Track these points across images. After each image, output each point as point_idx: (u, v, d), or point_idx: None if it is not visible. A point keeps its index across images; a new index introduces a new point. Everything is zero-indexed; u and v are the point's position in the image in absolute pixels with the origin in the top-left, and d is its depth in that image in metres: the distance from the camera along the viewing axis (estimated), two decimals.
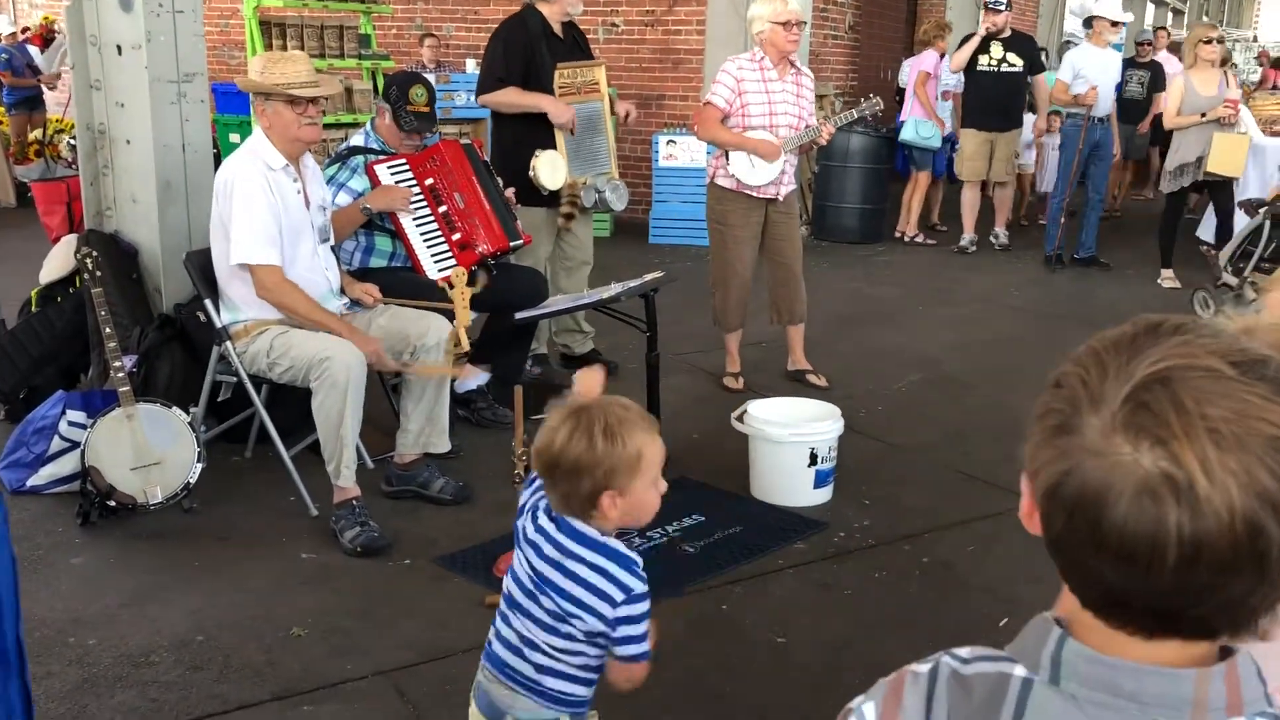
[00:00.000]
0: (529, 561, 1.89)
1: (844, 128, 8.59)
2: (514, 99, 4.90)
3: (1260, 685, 0.80)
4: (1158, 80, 10.42)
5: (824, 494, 3.99)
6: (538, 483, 1.93)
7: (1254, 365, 0.76)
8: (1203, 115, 7.26)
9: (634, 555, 1.87)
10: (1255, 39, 30.42)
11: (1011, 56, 8.43)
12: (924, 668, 0.89)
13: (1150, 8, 25.80)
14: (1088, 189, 8.26)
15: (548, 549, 1.86)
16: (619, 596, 1.81)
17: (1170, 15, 28.39)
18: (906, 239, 9.36)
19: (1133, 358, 0.78)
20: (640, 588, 1.83)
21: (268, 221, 3.57)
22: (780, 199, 5.06)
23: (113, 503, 3.61)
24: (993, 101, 8.50)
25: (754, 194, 5.02)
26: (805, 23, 4.93)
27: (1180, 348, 0.77)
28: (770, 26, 4.89)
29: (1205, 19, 30.35)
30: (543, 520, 1.89)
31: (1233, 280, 6.54)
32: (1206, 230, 8.54)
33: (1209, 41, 7.46)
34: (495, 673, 1.94)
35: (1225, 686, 0.78)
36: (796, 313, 5.26)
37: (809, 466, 3.91)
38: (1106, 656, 0.80)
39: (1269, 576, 0.74)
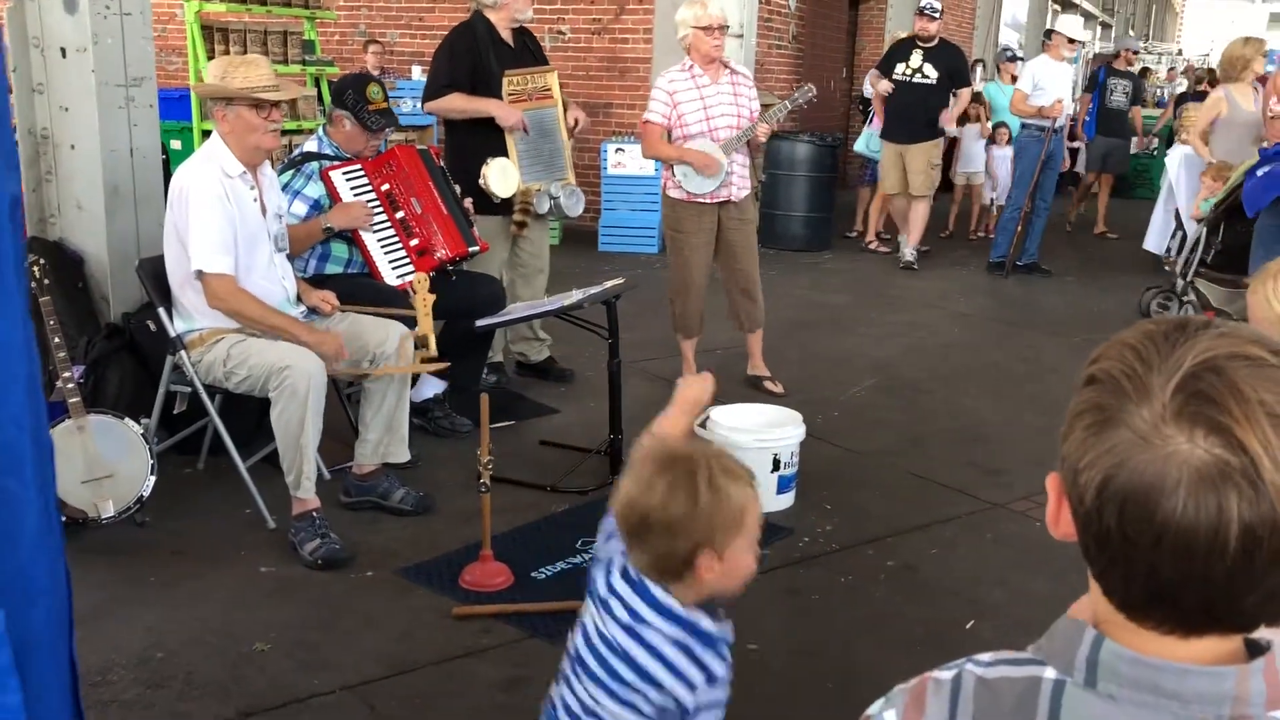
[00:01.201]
0: (598, 624, 1.72)
1: (789, 136, 8.71)
2: (460, 104, 4.87)
3: None
4: (1139, 91, 10.47)
5: (787, 499, 4.00)
6: (614, 532, 1.74)
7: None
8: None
9: (720, 633, 1.69)
10: (1180, 52, 31.30)
11: (928, 68, 8.27)
12: (947, 674, 0.88)
13: (1079, 21, 26.42)
14: (1035, 197, 8.39)
15: (620, 613, 1.69)
16: (699, 680, 1.65)
17: (1099, 29, 29.07)
18: (864, 246, 9.44)
19: (1174, 349, 0.78)
20: (722, 672, 1.67)
21: (223, 229, 3.49)
22: (734, 201, 5.07)
23: (63, 517, 3.50)
24: (902, 112, 8.34)
25: (705, 200, 5.03)
26: (728, 27, 4.95)
27: (1221, 339, 0.78)
28: (693, 32, 4.94)
29: (1131, 32, 31.16)
30: (618, 581, 1.71)
31: (1179, 284, 6.75)
32: (1152, 240, 8.74)
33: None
34: None
35: (1265, 680, 0.79)
36: (753, 318, 5.28)
37: (772, 472, 3.92)
38: (1148, 657, 0.79)
39: None
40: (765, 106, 5.58)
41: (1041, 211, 8.42)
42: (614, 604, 1.70)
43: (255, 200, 3.65)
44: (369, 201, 4.30)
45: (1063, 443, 0.82)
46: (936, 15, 8.26)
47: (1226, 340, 0.78)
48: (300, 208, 4.20)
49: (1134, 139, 10.96)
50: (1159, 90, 20.89)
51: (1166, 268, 8.38)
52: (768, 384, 5.28)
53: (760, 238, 9.24)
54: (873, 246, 9.39)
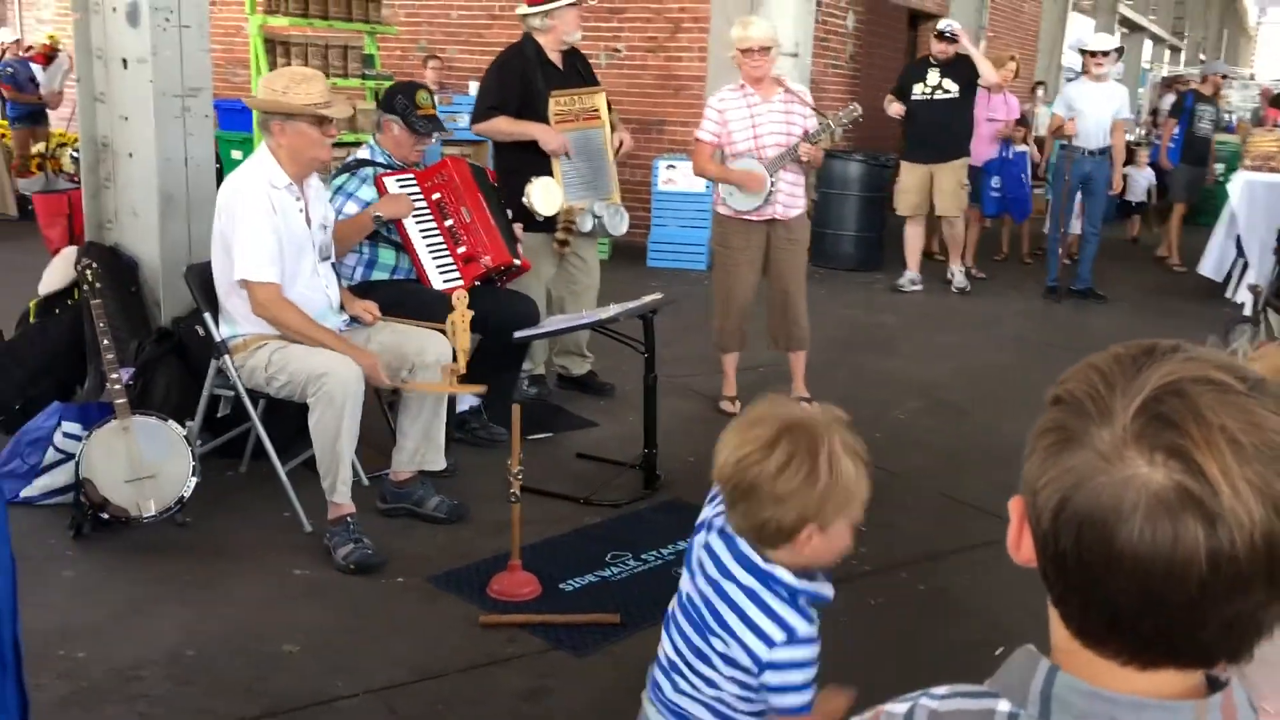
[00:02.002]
0: (691, 580, 1.73)
1: (842, 155, 8.63)
2: (505, 127, 4.95)
3: (1252, 714, 0.79)
4: (1221, 117, 10.14)
5: None
6: (719, 498, 1.71)
7: (1258, 383, 0.76)
8: None
9: (805, 588, 1.66)
10: (1253, 77, 30.70)
11: (948, 83, 8.01)
12: (901, 708, 0.87)
13: (1148, 44, 26.03)
14: (1085, 222, 8.26)
15: (710, 569, 1.69)
16: (779, 637, 1.63)
17: (1168, 52, 28.64)
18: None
19: (1139, 372, 0.77)
20: (806, 630, 1.64)
21: (268, 239, 3.57)
22: (782, 219, 5.06)
23: (106, 515, 3.59)
24: (928, 132, 8.08)
25: (752, 217, 5.03)
26: (770, 49, 4.92)
27: (1186, 364, 0.76)
28: (736, 53, 4.96)
29: (1203, 56, 30.62)
30: (714, 539, 1.70)
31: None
32: (1209, 266, 8.58)
33: None
34: (648, 690, 1.83)
35: (1222, 716, 0.77)
36: (794, 338, 5.26)
37: None
38: (1103, 690, 0.78)
39: (1275, 587, 0.73)
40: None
41: (1091, 237, 8.26)
42: (706, 561, 1.70)
43: (301, 211, 3.72)
44: (419, 209, 4.37)
45: (1025, 463, 0.81)
46: (958, 37, 8.04)
47: (1193, 364, 0.76)
48: (352, 208, 4.29)
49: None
50: (1229, 115, 20.47)
51: (1227, 295, 8.22)
52: (805, 406, 5.24)
53: (810, 256, 9.22)
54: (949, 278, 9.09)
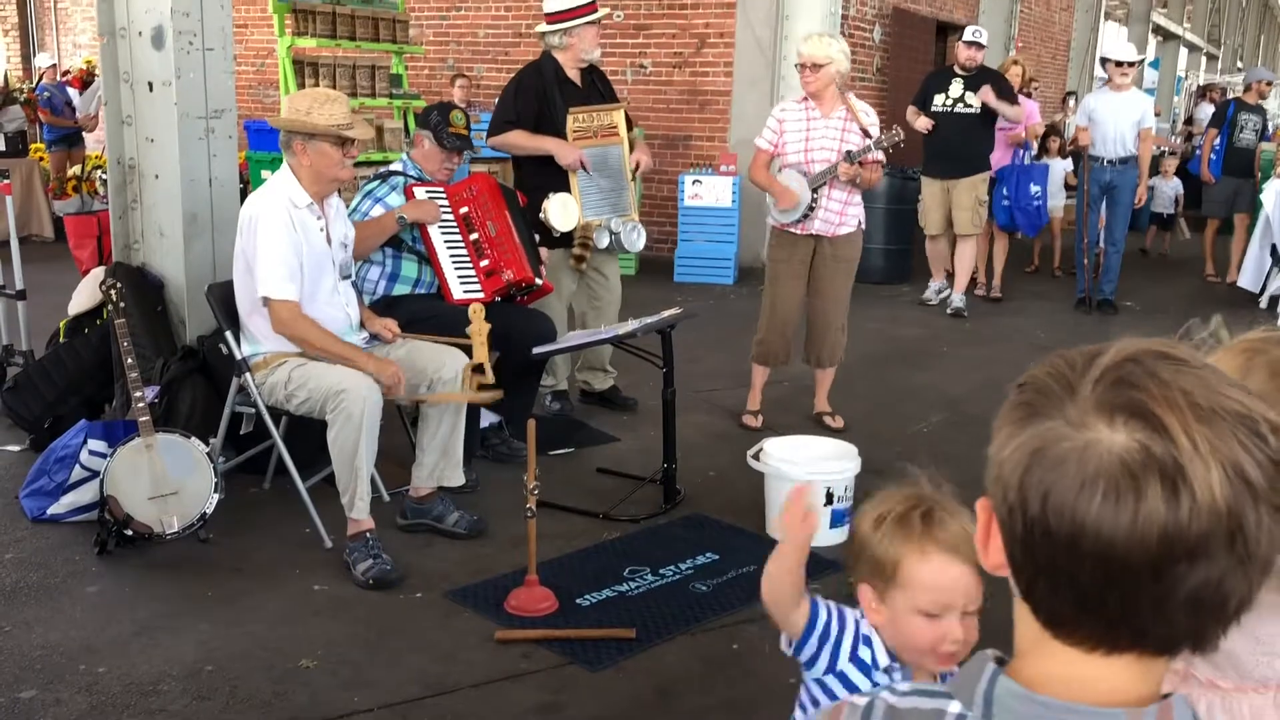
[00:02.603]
0: None
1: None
2: (520, 141, 4.98)
3: None
4: (1267, 126, 9.66)
5: (840, 534, 3.95)
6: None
7: (1209, 364, 0.78)
8: None
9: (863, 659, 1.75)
10: None
11: (970, 96, 7.74)
12: (862, 700, 0.88)
13: (1184, 52, 25.78)
14: (1106, 234, 8.15)
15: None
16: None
17: (1204, 60, 28.35)
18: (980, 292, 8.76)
19: (1094, 356, 0.79)
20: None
21: (289, 257, 3.61)
22: (828, 237, 5.04)
23: (130, 532, 3.63)
24: (945, 146, 7.78)
25: (797, 231, 5.04)
26: (822, 65, 4.90)
27: (1141, 341, 0.79)
28: (795, 69, 4.98)
29: (1240, 64, 30.28)
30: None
31: None
32: (1247, 278, 8.47)
33: None
34: None
35: None
36: (824, 356, 5.24)
37: (825, 506, 3.88)
38: (1039, 695, 0.78)
39: (1240, 557, 0.73)
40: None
41: (1113, 249, 8.15)
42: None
43: (322, 230, 3.76)
44: (445, 222, 4.42)
45: (991, 447, 0.81)
46: (983, 42, 7.79)
47: (1146, 341, 0.79)
48: (378, 211, 4.35)
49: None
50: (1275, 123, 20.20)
51: (1262, 305, 8.11)
52: (828, 419, 5.23)
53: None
54: (980, 292, 8.77)
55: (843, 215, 5.04)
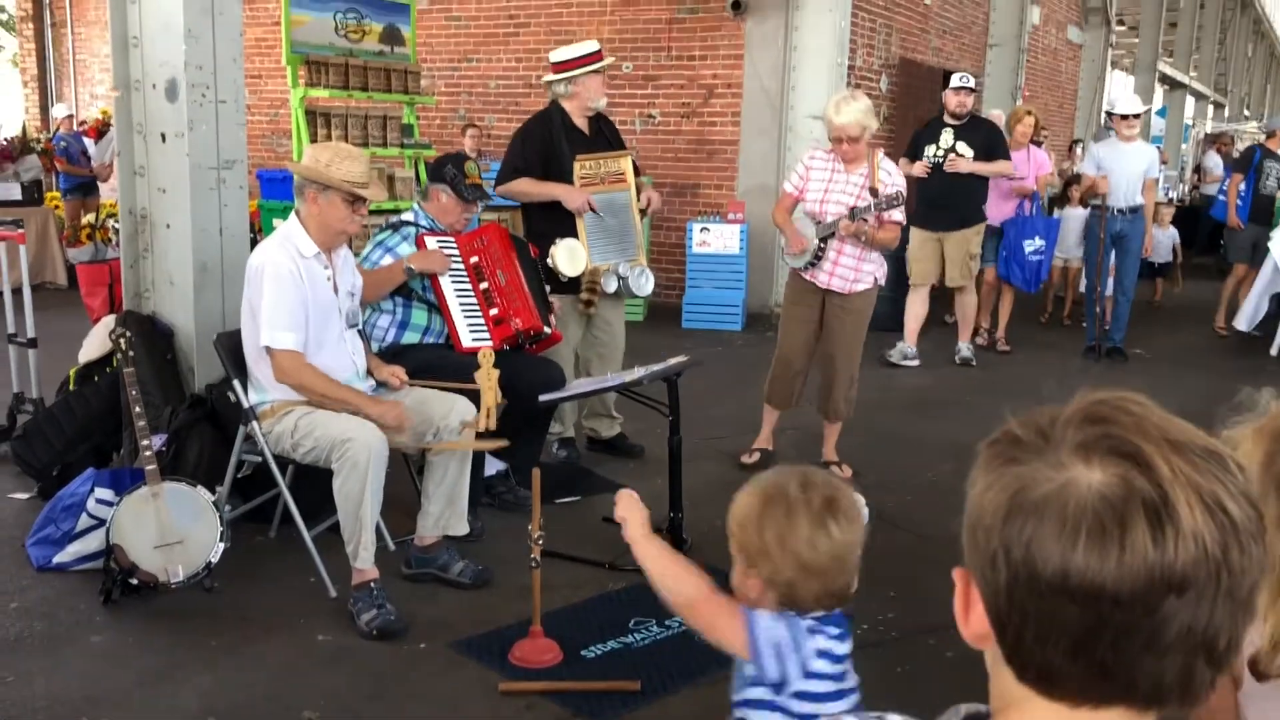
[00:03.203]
0: None
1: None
2: (527, 188, 5.04)
3: None
4: None
5: None
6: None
7: (1168, 414, 0.79)
8: None
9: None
10: None
11: (961, 145, 7.56)
12: None
13: (1191, 101, 25.94)
14: (1117, 282, 8.14)
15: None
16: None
17: (1211, 108, 28.51)
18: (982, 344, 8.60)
19: (1064, 409, 0.80)
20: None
21: (293, 307, 3.64)
22: (833, 290, 5.07)
23: (135, 581, 3.63)
24: (938, 197, 7.58)
25: (807, 278, 5.08)
26: (859, 138, 4.85)
27: (1104, 393, 0.80)
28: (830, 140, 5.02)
29: (1246, 112, 30.43)
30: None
31: None
32: (1243, 320, 8.46)
33: None
34: None
35: None
36: (831, 409, 5.25)
37: None
38: None
39: (1227, 590, 0.73)
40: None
41: (1123, 298, 8.14)
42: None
43: (329, 279, 3.79)
44: (455, 271, 4.45)
45: (968, 503, 0.81)
46: (970, 86, 7.69)
47: (1110, 392, 0.80)
48: (387, 261, 4.38)
49: None
50: None
51: (1272, 353, 8.09)
52: (835, 469, 5.22)
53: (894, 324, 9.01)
54: (982, 342, 8.58)
55: (858, 273, 5.05)
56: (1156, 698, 0.77)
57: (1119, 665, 0.75)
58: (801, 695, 1.78)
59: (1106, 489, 0.72)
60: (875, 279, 5.13)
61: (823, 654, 1.78)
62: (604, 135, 5.25)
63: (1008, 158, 7.85)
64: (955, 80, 7.78)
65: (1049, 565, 0.74)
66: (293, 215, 3.82)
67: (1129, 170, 7.79)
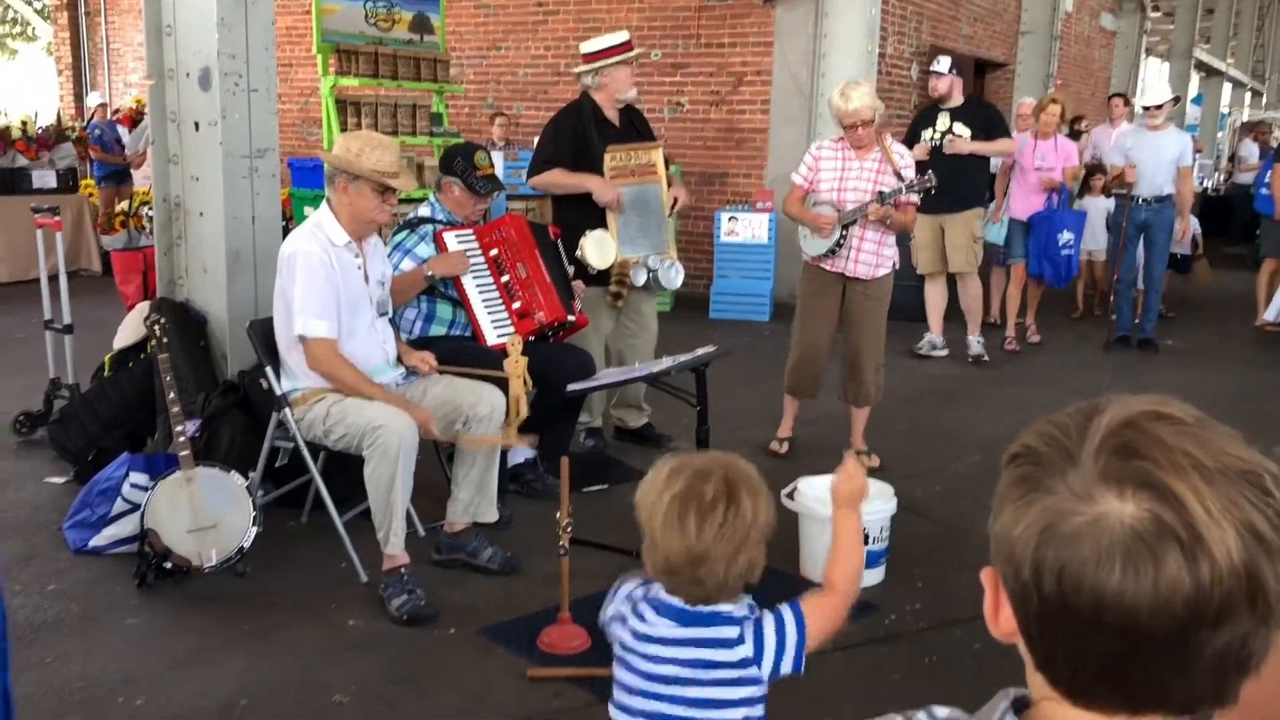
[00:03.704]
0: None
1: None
2: (559, 179, 5.04)
3: None
4: None
5: (875, 575, 3.93)
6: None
7: (1203, 418, 0.77)
8: None
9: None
10: None
11: (959, 127, 7.39)
12: (900, 718, 0.89)
13: (1227, 88, 25.60)
14: (1145, 272, 8.04)
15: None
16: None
17: (1249, 96, 28.12)
18: (1003, 345, 8.22)
19: (1090, 419, 0.78)
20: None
21: (325, 295, 3.67)
22: (857, 277, 5.06)
23: (169, 565, 3.68)
24: (937, 179, 7.74)
25: (827, 267, 5.07)
26: (872, 120, 4.89)
27: (1135, 402, 0.78)
28: (837, 121, 4.99)
29: None
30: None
31: None
32: (1272, 310, 8.36)
33: None
34: None
35: None
36: (859, 395, 5.24)
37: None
38: None
39: (1262, 615, 0.72)
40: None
41: (1152, 290, 8.05)
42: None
43: (359, 268, 3.82)
44: (476, 265, 4.46)
45: (994, 524, 0.81)
46: (943, 71, 7.43)
47: (1140, 401, 0.78)
48: (409, 265, 4.40)
49: None
50: None
51: None
52: (864, 458, 5.21)
53: (911, 314, 8.97)
54: (1011, 347, 8.23)
55: (878, 258, 5.06)
56: (1189, 708, 0.77)
57: (1150, 688, 0.76)
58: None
59: (1139, 524, 0.72)
60: (894, 263, 5.15)
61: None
62: (634, 126, 5.25)
63: (1008, 135, 7.73)
64: (933, 66, 7.65)
65: (1082, 597, 0.74)
66: (324, 204, 3.84)
67: (1158, 159, 7.68)
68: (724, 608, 1.88)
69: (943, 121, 7.52)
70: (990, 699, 0.85)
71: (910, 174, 4.97)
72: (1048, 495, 0.76)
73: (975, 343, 7.82)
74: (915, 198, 5.00)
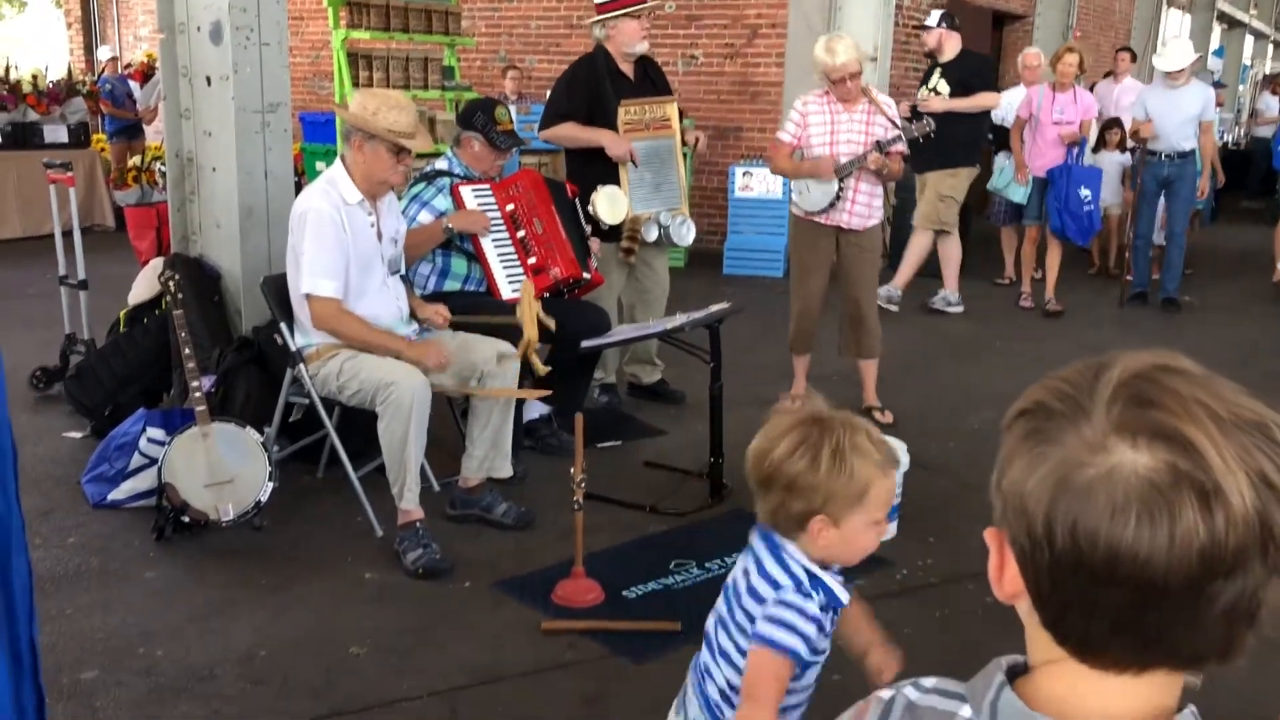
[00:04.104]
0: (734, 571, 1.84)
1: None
2: (571, 133, 5.01)
3: None
4: None
5: (888, 531, 3.93)
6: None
7: (1207, 372, 0.76)
8: None
9: (826, 581, 1.73)
10: None
11: (942, 84, 7.35)
12: (887, 694, 0.87)
13: (1250, 40, 25.21)
14: (1167, 229, 7.97)
15: (748, 557, 1.80)
16: (785, 582, 1.72)
17: (1271, 48, 27.70)
18: (1018, 302, 8.18)
19: (1100, 372, 0.77)
20: (797, 601, 1.70)
21: (334, 254, 3.66)
22: (851, 229, 5.05)
23: (186, 519, 3.72)
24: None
25: (821, 221, 5.04)
26: (860, 71, 4.88)
27: (1143, 354, 0.77)
28: (822, 77, 4.94)
29: None
30: (753, 534, 1.81)
31: None
32: None
33: None
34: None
35: None
36: (863, 347, 5.24)
37: None
38: (1037, 715, 0.77)
39: (1274, 565, 0.72)
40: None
41: (1174, 246, 7.95)
42: (747, 553, 1.82)
43: (372, 226, 3.80)
44: (492, 220, 4.45)
45: (998, 485, 0.80)
46: (931, 25, 7.46)
47: (1149, 354, 0.77)
48: (426, 217, 4.39)
49: None
50: None
51: None
52: (876, 414, 5.21)
53: (891, 261, 9.05)
54: (1027, 304, 8.13)
55: (870, 209, 5.08)
56: (1196, 661, 0.77)
57: (1162, 640, 0.75)
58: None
59: (1154, 475, 0.71)
60: (882, 213, 5.19)
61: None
62: (650, 79, 5.20)
63: (990, 89, 7.58)
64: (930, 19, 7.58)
65: (1097, 551, 0.73)
66: (338, 161, 3.83)
67: (1179, 114, 7.57)
68: None
69: (934, 78, 7.45)
70: (988, 664, 0.84)
71: (899, 122, 5.00)
72: (1059, 448, 0.75)
73: (940, 297, 7.87)
74: (903, 147, 5.01)
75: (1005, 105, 8.31)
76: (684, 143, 5.30)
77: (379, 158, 3.71)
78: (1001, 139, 8.59)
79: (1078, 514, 0.73)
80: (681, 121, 5.27)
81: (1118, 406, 0.74)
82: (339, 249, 3.66)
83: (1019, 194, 8.09)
